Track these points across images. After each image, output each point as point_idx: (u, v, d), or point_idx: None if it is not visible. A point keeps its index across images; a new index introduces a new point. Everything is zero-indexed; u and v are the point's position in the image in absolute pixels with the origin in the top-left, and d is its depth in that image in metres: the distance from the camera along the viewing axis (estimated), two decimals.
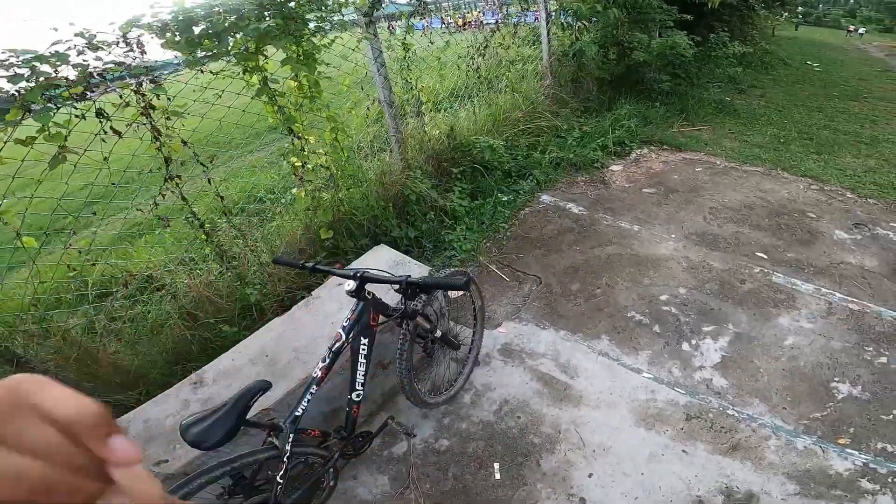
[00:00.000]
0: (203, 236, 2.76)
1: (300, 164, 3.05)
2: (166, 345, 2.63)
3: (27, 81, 1.73)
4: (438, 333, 2.17)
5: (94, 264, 2.55)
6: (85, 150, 2.12)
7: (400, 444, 2.29)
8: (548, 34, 4.61)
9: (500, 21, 4.53)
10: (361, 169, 3.40)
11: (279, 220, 3.24)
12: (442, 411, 2.41)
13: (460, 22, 5.65)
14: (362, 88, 3.43)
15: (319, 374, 1.71)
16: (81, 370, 2.33)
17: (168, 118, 2.37)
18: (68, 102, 1.91)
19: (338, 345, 1.75)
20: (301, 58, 2.71)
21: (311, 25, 2.66)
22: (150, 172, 2.44)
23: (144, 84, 2.17)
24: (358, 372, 1.84)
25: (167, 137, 2.34)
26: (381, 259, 2.63)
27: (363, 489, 2.13)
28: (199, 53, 2.22)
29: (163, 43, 2.08)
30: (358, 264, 2.64)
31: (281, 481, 1.57)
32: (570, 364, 2.60)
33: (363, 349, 1.84)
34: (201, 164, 2.61)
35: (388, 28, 4.75)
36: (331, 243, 3.23)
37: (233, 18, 2.17)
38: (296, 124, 2.93)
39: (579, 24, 4.78)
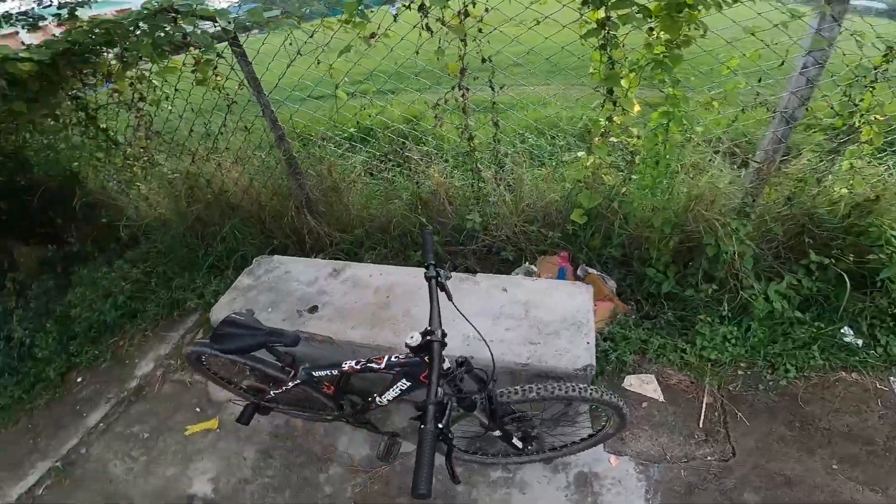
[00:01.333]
0: (467, 147, 2.71)
1: (601, 131, 2.42)
2: (387, 212, 2.95)
3: None
4: (498, 433, 1.71)
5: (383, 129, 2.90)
6: (399, 39, 2.20)
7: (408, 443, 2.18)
8: None
9: None
10: (673, 181, 2.48)
11: (545, 170, 2.83)
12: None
13: None
14: (759, 81, 2.21)
15: (346, 368, 1.60)
16: (325, 197, 2.92)
17: (480, 30, 2.16)
18: None
19: (374, 365, 1.57)
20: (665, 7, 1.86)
21: None
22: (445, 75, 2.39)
23: None
24: (388, 392, 1.66)
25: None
26: (572, 300, 2.02)
27: (353, 438, 2.32)
28: None
29: None
30: (541, 287, 2.14)
31: (278, 393, 1.82)
32: None
33: (401, 386, 1.61)
34: (490, 87, 2.38)
35: None
36: (575, 230, 2.70)
37: None
38: (619, 87, 2.24)
39: None
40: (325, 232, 2.79)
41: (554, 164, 2.84)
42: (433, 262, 1.43)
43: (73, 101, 2.90)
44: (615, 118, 2.33)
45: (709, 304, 2.50)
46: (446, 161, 2.98)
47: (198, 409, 2.70)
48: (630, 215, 2.57)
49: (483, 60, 2.28)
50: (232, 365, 2.50)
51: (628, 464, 2.08)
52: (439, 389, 1.22)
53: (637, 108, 2.32)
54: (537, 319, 1.95)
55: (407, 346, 1.31)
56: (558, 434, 2.01)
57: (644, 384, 2.36)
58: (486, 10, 2.07)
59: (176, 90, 2.68)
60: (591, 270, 2.57)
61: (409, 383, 1.55)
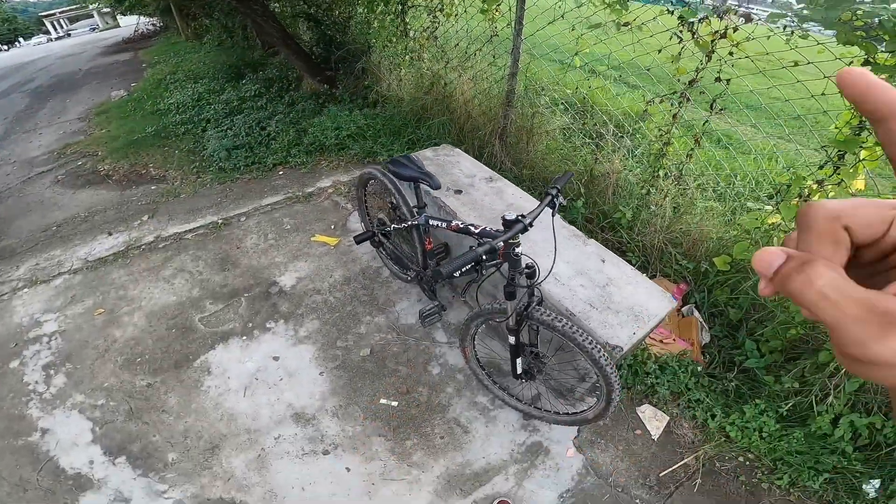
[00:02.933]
0: (658, 150, 2.67)
1: (800, 192, 2.16)
2: (558, 171, 3.11)
3: None
4: (511, 339, 1.76)
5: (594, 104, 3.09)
6: None
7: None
8: None
9: None
10: None
11: (719, 207, 2.64)
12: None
13: None
14: None
15: (454, 224, 1.85)
16: (517, 133, 3.25)
17: (731, 53, 2.13)
18: None
19: (472, 228, 1.77)
20: None
21: None
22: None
23: None
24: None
25: None
26: (650, 301, 1.96)
27: (410, 308, 2.58)
28: None
29: None
30: (633, 278, 2.10)
31: (397, 228, 2.26)
32: None
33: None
34: (711, 106, 2.35)
35: None
36: (709, 272, 2.47)
37: None
38: (853, 155, 2.03)
39: None
40: (502, 158, 3.14)
41: (733, 206, 2.60)
42: (558, 188, 1.60)
43: None
44: (828, 186, 2.09)
45: (776, 396, 2.14)
46: (634, 157, 3.02)
47: (332, 227, 3.31)
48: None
49: (717, 80, 2.28)
50: (381, 200, 2.99)
51: (577, 463, 2.00)
52: (499, 265, 1.54)
53: (861, 185, 2.05)
54: (610, 295, 1.96)
55: (503, 218, 1.52)
56: (556, 400, 2.12)
57: (653, 419, 2.16)
58: (748, 38, 2.08)
59: (465, 11, 3.33)
60: (696, 314, 2.37)
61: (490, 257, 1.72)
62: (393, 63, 4.18)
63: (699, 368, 2.26)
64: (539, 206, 1.57)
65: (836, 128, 2.06)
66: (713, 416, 2.11)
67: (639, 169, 2.87)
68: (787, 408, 2.08)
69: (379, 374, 2.33)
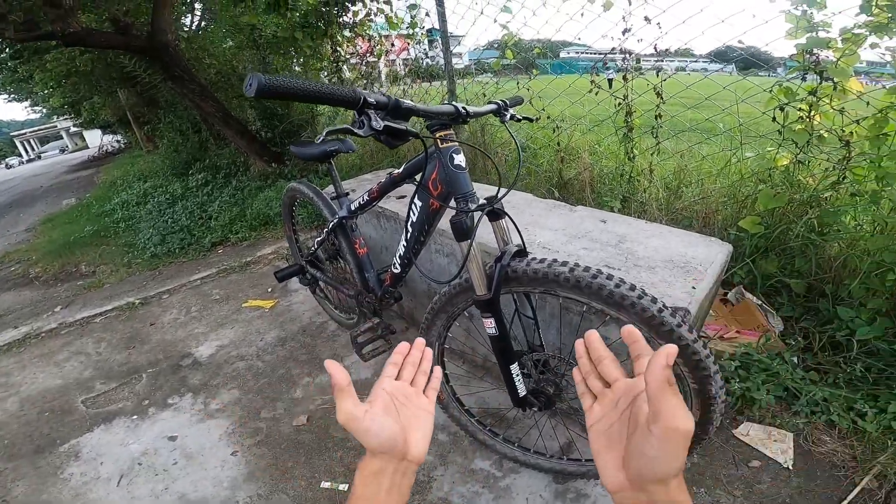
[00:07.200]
0: (623, 125, 2.38)
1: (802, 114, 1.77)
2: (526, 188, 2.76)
3: None
4: (489, 321, 1.08)
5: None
6: None
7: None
8: None
9: None
10: None
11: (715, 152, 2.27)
12: None
13: None
14: None
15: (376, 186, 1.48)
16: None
17: None
18: None
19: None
20: None
21: None
22: None
23: None
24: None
25: None
26: (690, 249, 1.36)
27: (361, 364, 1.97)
28: None
29: None
30: (654, 230, 1.51)
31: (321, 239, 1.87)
32: None
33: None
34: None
35: None
36: (741, 240, 1.90)
37: None
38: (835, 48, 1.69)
39: None
40: None
41: (731, 150, 2.17)
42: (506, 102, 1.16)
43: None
44: (821, 98, 1.70)
45: None
46: (598, 145, 2.68)
47: (269, 290, 2.80)
48: (831, 233, 1.75)
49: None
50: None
51: None
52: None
53: (858, 85, 1.68)
54: (630, 252, 1.41)
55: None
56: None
57: (769, 439, 1.45)
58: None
59: None
60: (749, 296, 1.79)
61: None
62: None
63: (795, 358, 1.61)
64: (483, 108, 1.09)
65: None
66: (862, 415, 1.44)
67: (608, 154, 2.56)
68: None
69: (320, 448, 1.67)
